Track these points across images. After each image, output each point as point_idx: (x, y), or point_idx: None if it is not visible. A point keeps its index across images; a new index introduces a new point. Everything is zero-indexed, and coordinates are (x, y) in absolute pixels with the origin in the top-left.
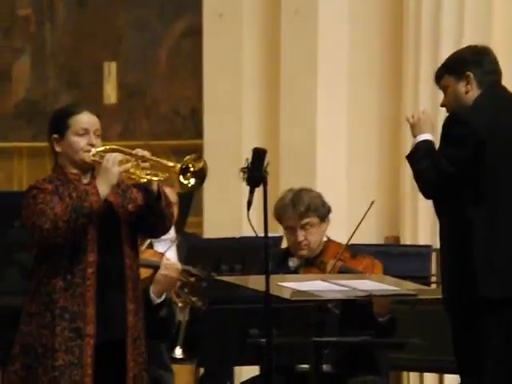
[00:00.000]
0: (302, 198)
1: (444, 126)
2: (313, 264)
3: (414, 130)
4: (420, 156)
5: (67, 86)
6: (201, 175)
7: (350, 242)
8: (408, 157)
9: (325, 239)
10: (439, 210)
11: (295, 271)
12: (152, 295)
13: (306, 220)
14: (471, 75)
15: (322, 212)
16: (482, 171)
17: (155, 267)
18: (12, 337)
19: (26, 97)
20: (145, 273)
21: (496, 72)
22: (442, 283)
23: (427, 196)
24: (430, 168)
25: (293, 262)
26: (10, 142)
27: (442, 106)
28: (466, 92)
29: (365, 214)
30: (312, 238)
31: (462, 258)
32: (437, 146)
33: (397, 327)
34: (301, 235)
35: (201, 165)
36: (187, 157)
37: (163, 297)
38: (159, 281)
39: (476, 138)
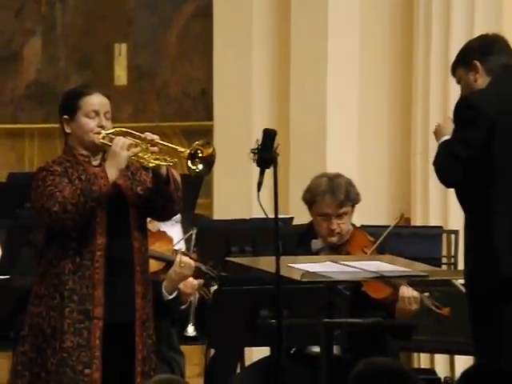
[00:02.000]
0: (340, 186)
1: (454, 113)
2: (337, 251)
3: (437, 135)
4: (439, 154)
5: (78, 68)
6: (209, 161)
7: (363, 224)
8: (434, 162)
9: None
10: (459, 194)
11: (316, 254)
12: (164, 291)
13: (344, 209)
14: (478, 64)
15: (357, 200)
16: (497, 150)
17: (168, 261)
18: (23, 318)
19: (36, 78)
20: (157, 266)
21: (507, 58)
22: (465, 265)
23: (449, 184)
24: (447, 156)
25: (316, 245)
26: (21, 124)
27: None
28: (475, 81)
29: (393, 226)
30: (344, 226)
31: (481, 237)
32: None
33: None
34: (335, 223)
35: (210, 151)
36: (196, 142)
37: (175, 294)
38: (172, 278)
39: (486, 119)
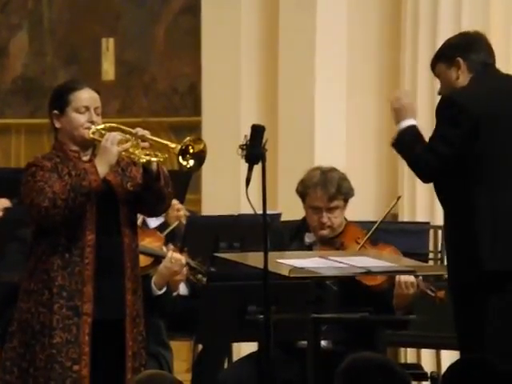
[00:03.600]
0: (332, 179)
1: (436, 111)
2: (330, 243)
3: (398, 115)
4: (410, 142)
5: (65, 62)
6: (200, 157)
7: (350, 219)
8: (395, 145)
9: (343, 220)
10: (440, 192)
11: (309, 247)
12: (153, 286)
13: (335, 203)
14: (461, 60)
15: (350, 194)
16: (480, 149)
17: (157, 256)
18: (11, 313)
19: (23, 73)
20: (146, 260)
21: (488, 56)
22: (447, 261)
23: (426, 181)
24: (427, 153)
25: (309, 238)
26: (7, 119)
27: (439, 94)
28: (457, 78)
29: (389, 210)
30: (336, 221)
31: (464, 234)
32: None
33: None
34: (326, 217)
35: (201, 147)
36: (187, 138)
37: (164, 289)
38: (162, 273)
39: (468, 116)
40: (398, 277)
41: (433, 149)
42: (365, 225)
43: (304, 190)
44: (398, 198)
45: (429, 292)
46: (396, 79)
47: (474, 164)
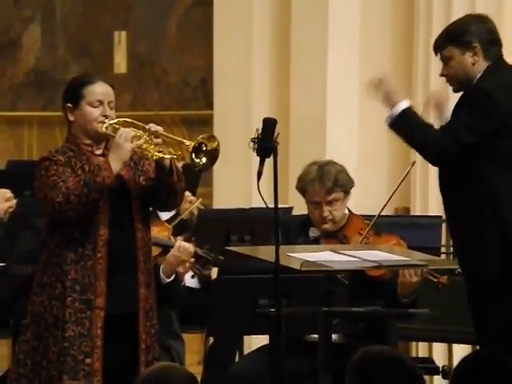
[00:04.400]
0: (329, 173)
1: (467, 97)
2: (334, 237)
3: (390, 98)
4: (415, 124)
5: (77, 55)
6: (213, 155)
7: (360, 213)
8: (397, 128)
9: (346, 212)
10: (450, 181)
11: (315, 241)
12: (162, 275)
13: (333, 196)
14: (478, 46)
15: (348, 186)
16: (506, 142)
17: (165, 246)
18: (24, 306)
19: (35, 66)
20: (154, 251)
21: (499, 42)
22: (460, 255)
23: (439, 164)
24: (448, 139)
25: (313, 232)
26: (20, 111)
27: (443, 75)
28: (473, 63)
29: (404, 176)
30: (337, 213)
31: (487, 229)
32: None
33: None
34: (326, 210)
35: (214, 145)
36: (201, 135)
37: (172, 277)
38: (170, 262)
39: (501, 112)
40: None
41: (456, 136)
42: (377, 219)
43: (302, 186)
44: (413, 163)
45: (432, 278)
46: (408, 72)
47: (498, 158)
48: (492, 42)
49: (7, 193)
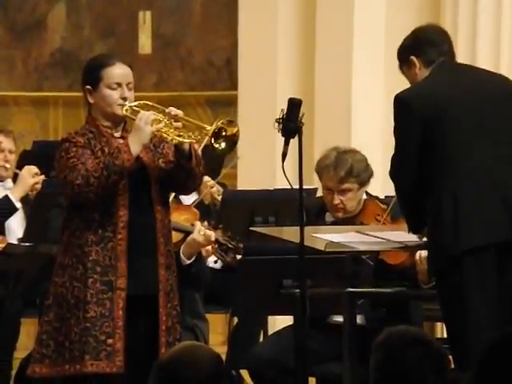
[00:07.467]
0: (345, 162)
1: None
2: (351, 223)
3: None
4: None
5: (102, 36)
6: (232, 140)
7: (375, 194)
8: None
9: (364, 196)
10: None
11: (333, 225)
12: (182, 256)
13: (346, 185)
14: (414, 58)
15: (363, 177)
16: (439, 139)
17: (188, 232)
18: (48, 287)
19: (61, 46)
20: (177, 236)
21: (441, 47)
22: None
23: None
24: (396, 184)
25: (328, 217)
26: (45, 92)
27: None
28: (416, 75)
29: None
30: (348, 203)
31: (435, 222)
32: None
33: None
34: (337, 198)
35: (234, 130)
36: (221, 120)
37: (193, 258)
38: (190, 244)
39: (419, 119)
40: (417, 254)
41: (395, 184)
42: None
43: (319, 171)
44: None
45: None
46: None
47: (435, 155)
48: (429, 48)
49: (34, 169)
